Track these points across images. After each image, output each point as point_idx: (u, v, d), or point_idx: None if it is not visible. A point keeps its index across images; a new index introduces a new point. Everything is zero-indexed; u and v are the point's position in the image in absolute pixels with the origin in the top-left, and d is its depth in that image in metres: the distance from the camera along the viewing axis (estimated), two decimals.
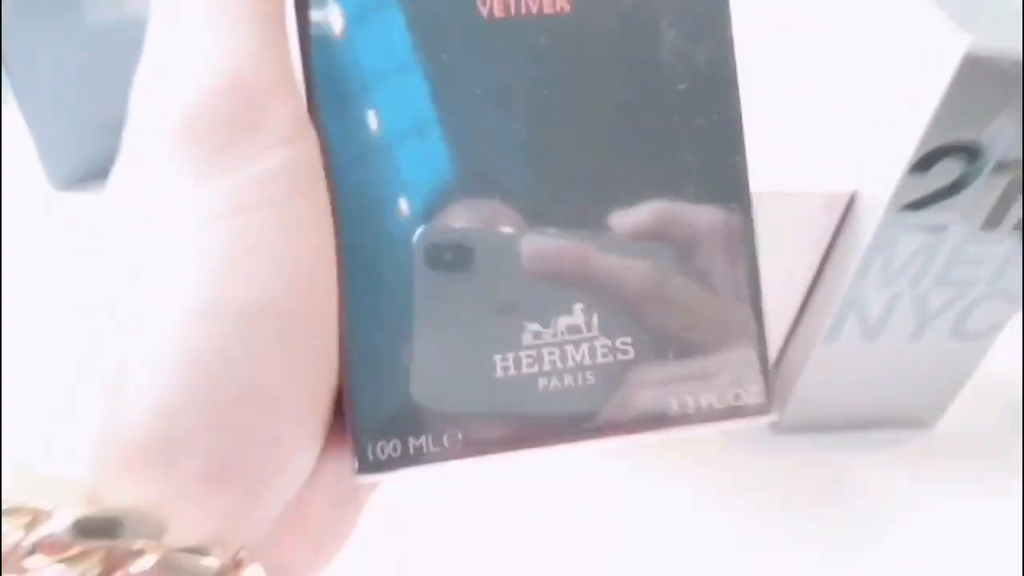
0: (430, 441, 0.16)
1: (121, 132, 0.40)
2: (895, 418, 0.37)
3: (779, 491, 0.36)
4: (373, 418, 0.16)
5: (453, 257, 0.16)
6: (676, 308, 0.18)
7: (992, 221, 0.29)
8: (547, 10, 0.17)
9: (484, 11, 0.17)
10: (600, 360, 0.17)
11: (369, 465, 0.16)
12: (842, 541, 0.34)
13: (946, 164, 0.27)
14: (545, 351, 0.17)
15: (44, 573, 0.12)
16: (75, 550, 0.13)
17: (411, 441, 0.16)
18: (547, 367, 0.17)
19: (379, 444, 0.16)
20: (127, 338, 0.14)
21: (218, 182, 0.14)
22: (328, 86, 0.16)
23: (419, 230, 0.16)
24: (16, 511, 0.13)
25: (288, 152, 0.15)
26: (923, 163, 0.27)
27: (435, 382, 0.17)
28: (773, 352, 0.35)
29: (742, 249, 0.18)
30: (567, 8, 0.17)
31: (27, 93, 0.42)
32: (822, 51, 0.34)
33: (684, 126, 0.17)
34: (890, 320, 0.32)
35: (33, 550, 0.13)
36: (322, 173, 0.16)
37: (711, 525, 0.34)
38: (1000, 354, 0.40)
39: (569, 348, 0.17)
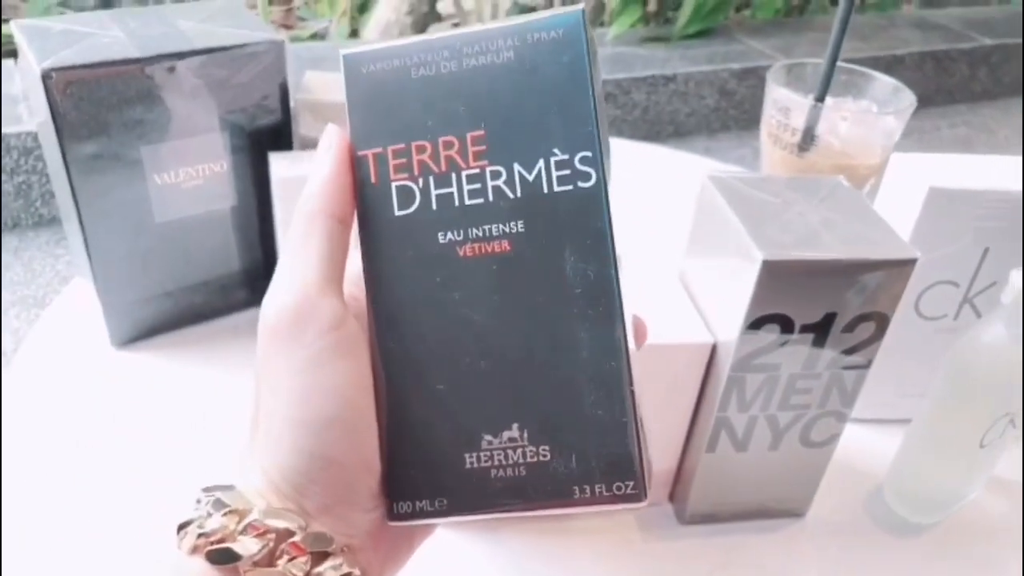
0: (427, 504, 0.27)
1: (170, 303, 0.57)
2: (773, 509, 0.48)
3: (684, 570, 0.46)
4: (397, 488, 0.28)
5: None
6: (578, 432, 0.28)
7: (808, 365, 0.41)
8: (496, 250, 0.28)
9: (461, 252, 0.27)
10: (528, 460, 0.27)
11: (394, 516, 0.28)
12: None
13: (769, 327, 0.40)
14: (495, 452, 0.27)
15: (247, 543, 0.25)
16: (263, 530, 0.26)
17: (416, 503, 0.28)
18: (496, 463, 0.27)
19: (400, 504, 0.28)
20: (264, 429, 0.27)
21: (297, 353, 0.26)
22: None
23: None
24: (231, 511, 0.26)
25: (337, 334, 0.27)
26: (754, 325, 0.40)
27: (430, 470, 0.27)
28: (672, 462, 0.47)
29: (626, 390, 0.27)
30: (508, 248, 0.28)
31: (102, 272, 0.53)
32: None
33: (581, 313, 0.27)
34: (752, 435, 0.44)
35: (243, 531, 0.26)
36: (363, 342, 0.27)
37: None
38: (859, 452, 0.52)
39: (509, 451, 0.27)
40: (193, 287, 0.57)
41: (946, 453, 0.47)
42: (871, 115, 0.62)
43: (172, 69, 0.49)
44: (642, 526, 0.48)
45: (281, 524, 0.26)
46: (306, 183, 0.28)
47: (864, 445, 0.52)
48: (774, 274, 0.38)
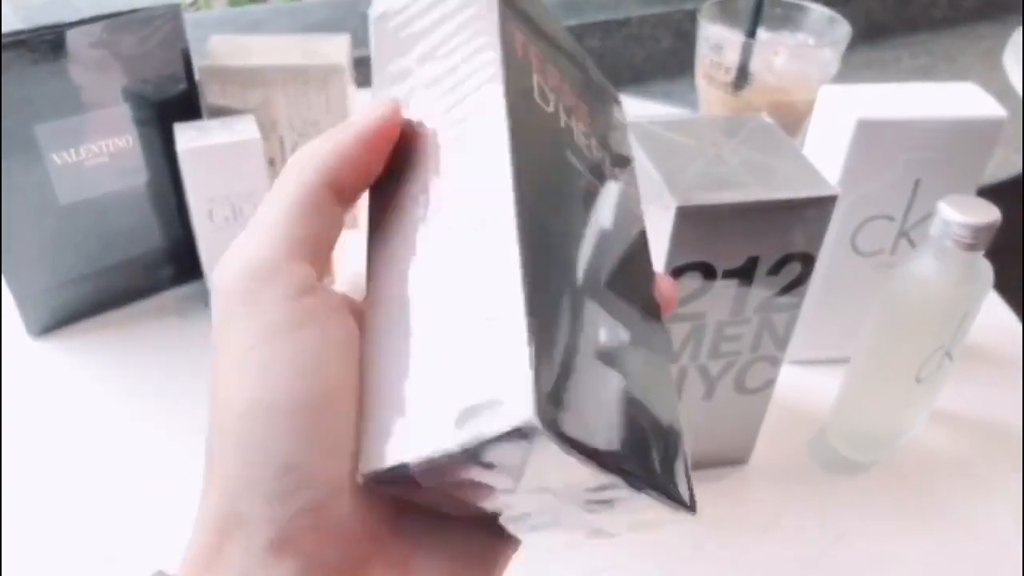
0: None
1: (89, 287, 0.53)
2: (714, 459, 0.47)
3: None
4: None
5: None
6: None
7: (735, 311, 0.40)
8: None
9: None
10: None
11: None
12: (680, 554, 0.44)
13: (691, 274, 0.38)
14: None
15: None
16: None
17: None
18: None
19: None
20: (214, 446, 0.20)
21: (253, 320, 0.20)
22: None
23: None
24: None
25: (305, 302, 0.20)
26: (675, 274, 0.38)
27: None
28: None
29: None
30: None
31: (7, 258, 0.51)
32: None
33: None
34: (685, 386, 0.43)
35: None
36: (338, 312, 0.21)
37: (572, 553, 0.44)
38: (803, 394, 0.51)
39: None
40: (112, 268, 0.55)
41: (884, 389, 0.46)
42: (806, 48, 0.60)
43: (61, 40, 0.46)
44: None
45: None
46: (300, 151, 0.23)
47: (808, 387, 0.52)
48: (690, 220, 0.36)
